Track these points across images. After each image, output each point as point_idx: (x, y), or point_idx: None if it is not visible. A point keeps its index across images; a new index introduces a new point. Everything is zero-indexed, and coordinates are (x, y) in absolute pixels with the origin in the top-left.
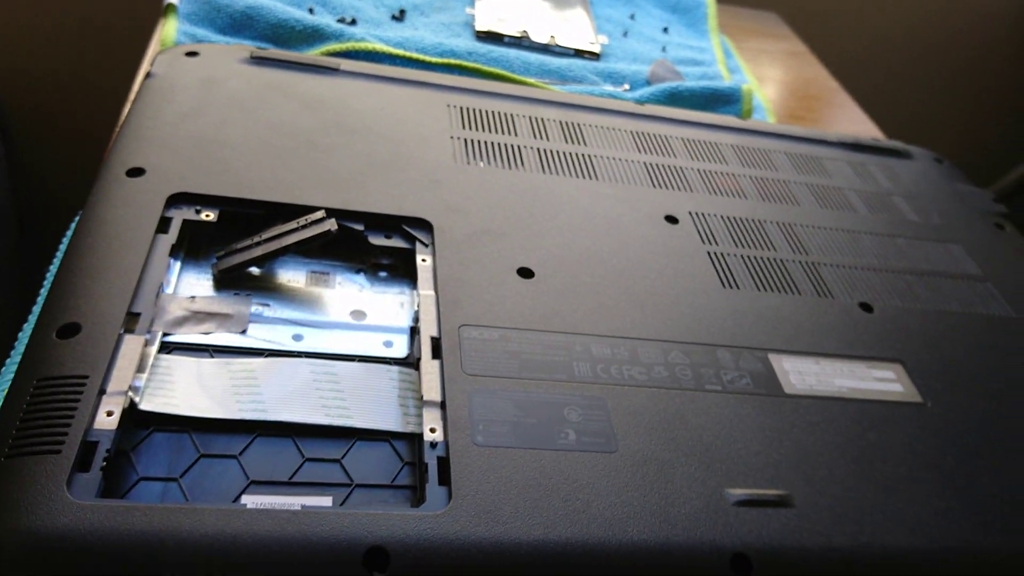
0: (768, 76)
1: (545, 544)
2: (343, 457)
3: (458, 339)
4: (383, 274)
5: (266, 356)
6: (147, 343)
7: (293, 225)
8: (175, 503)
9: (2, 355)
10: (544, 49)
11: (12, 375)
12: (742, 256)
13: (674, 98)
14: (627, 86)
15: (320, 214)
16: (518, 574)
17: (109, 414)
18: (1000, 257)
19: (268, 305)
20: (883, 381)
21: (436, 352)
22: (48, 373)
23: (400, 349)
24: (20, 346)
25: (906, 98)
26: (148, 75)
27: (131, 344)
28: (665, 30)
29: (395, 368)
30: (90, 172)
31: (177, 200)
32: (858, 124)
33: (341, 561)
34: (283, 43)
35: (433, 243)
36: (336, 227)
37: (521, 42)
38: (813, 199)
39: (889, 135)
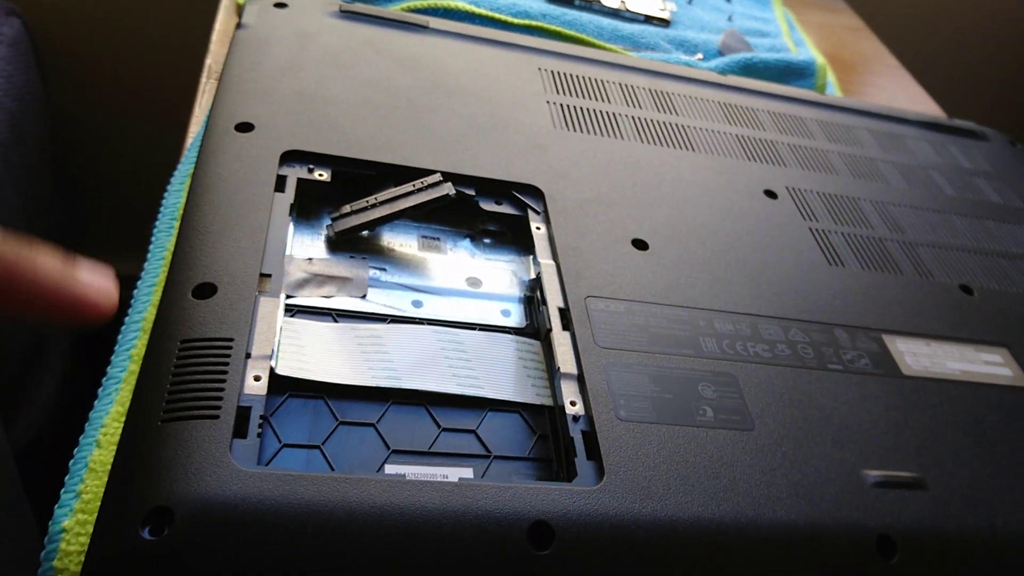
0: (828, 51)
1: (699, 521)
2: (477, 427)
3: (586, 310)
4: (489, 241)
5: (389, 322)
6: (278, 307)
7: (409, 188)
8: (328, 472)
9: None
10: (614, 14)
11: (136, 334)
12: (842, 233)
13: (748, 69)
14: (700, 55)
15: (436, 177)
16: (673, 551)
17: (257, 379)
18: None
19: (384, 269)
20: (992, 365)
21: (566, 324)
22: (192, 335)
23: (517, 318)
24: (139, 304)
25: (962, 74)
26: (239, 25)
27: (267, 306)
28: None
29: (518, 338)
30: (134, 115)
31: (290, 158)
32: (920, 103)
33: (506, 536)
34: None
35: (546, 210)
36: (454, 191)
37: (591, 5)
38: (900, 177)
39: (950, 115)
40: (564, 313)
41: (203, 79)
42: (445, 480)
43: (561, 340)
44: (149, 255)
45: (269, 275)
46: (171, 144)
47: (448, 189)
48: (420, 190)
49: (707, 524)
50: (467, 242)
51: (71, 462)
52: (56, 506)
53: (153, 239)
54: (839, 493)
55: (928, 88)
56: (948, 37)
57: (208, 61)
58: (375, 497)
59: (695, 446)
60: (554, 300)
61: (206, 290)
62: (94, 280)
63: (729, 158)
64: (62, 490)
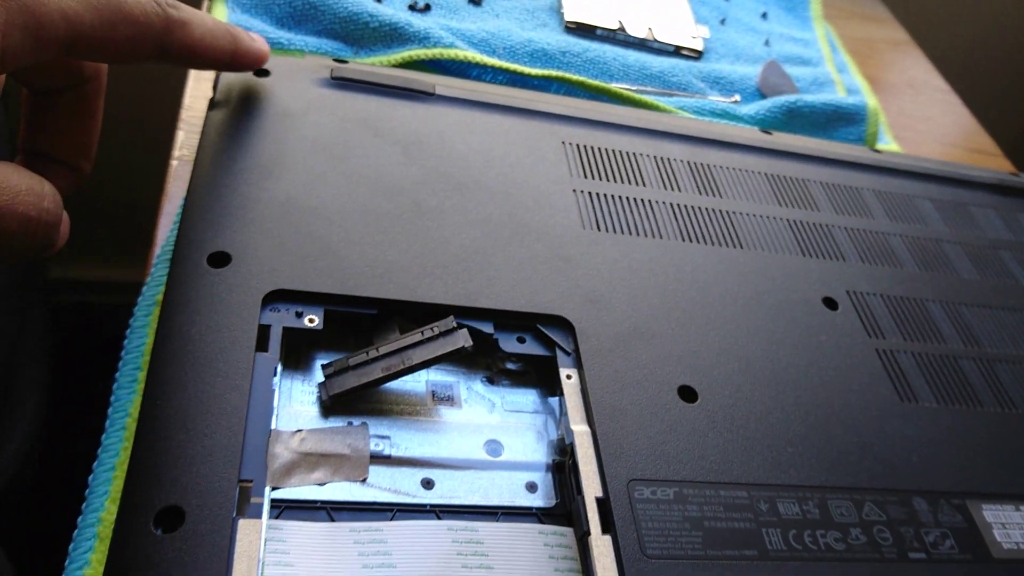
0: (872, 74)
1: None
2: None
3: (630, 502)
4: (506, 381)
5: (394, 514)
6: (259, 530)
7: (418, 336)
8: None
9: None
10: (641, 44)
11: (88, 551)
12: (913, 353)
13: (792, 115)
14: (737, 97)
15: (450, 323)
16: None
17: None
18: None
19: (387, 438)
20: None
21: (606, 524)
22: None
23: (544, 493)
24: (99, 478)
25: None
26: (212, 103)
27: (247, 533)
28: (764, 15)
29: (547, 528)
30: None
31: (273, 298)
32: (974, 139)
33: None
34: (354, 42)
35: (576, 350)
36: (470, 342)
37: (616, 35)
38: (969, 263)
39: (1003, 144)
40: (604, 506)
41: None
42: None
43: (602, 549)
44: (111, 410)
45: (250, 481)
46: (146, 156)
47: (464, 340)
48: (431, 339)
49: None
50: (483, 385)
51: None
52: None
53: (115, 389)
54: None
55: (977, 111)
56: (998, 54)
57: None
58: None
59: None
60: (591, 488)
61: (171, 518)
62: (252, 35)
63: (782, 254)
64: None
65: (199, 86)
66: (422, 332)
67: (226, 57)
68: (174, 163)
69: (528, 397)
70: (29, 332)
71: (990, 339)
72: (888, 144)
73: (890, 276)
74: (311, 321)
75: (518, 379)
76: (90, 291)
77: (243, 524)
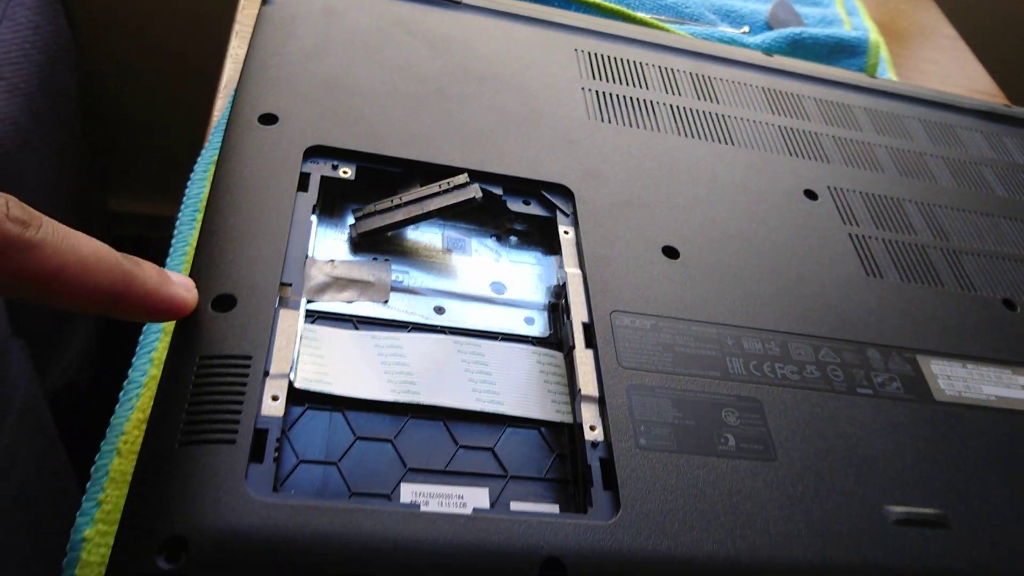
0: (882, 19)
1: (714, 561)
2: (495, 445)
3: (611, 326)
4: (514, 239)
5: (410, 330)
6: (297, 319)
7: (435, 188)
8: (343, 501)
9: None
10: None
11: (157, 336)
12: (883, 240)
13: (796, 45)
14: (747, 28)
15: (463, 178)
16: None
17: (275, 399)
18: None
19: (407, 272)
20: None
21: (589, 340)
22: (211, 351)
23: (540, 327)
24: None
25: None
26: (265, 1)
27: (287, 320)
28: None
29: (540, 350)
30: (162, 64)
31: (314, 153)
32: (978, 82)
33: (519, 572)
34: None
35: (575, 212)
36: (481, 194)
37: None
38: (949, 175)
39: (1010, 95)
40: (588, 329)
41: (232, 39)
42: (459, 512)
43: (584, 359)
44: (172, 249)
45: (289, 284)
46: (199, 94)
47: (475, 192)
48: (446, 191)
49: (721, 563)
50: (493, 241)
51: (92, 469)
52: (78, 513)
53: (176, 232)
54: (859, 531)
55: (988, 63)
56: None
57: (235, 27)
58: (389, 529)
59: (715, 478)
60: (579, 314)
61: (226, 302)
62: (182, 281)
63: (770, 152)
64: (83, 497)
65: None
66: (439, 185)
67: (105, 301)
68: (220, 99)
69: (531, 254)
70: None
71: (959, 235)
72: (889, 78)
73: (871, 178)
74: (344, 173)
75: (523, 238)
76: (148, 225)
77: (284, 313)
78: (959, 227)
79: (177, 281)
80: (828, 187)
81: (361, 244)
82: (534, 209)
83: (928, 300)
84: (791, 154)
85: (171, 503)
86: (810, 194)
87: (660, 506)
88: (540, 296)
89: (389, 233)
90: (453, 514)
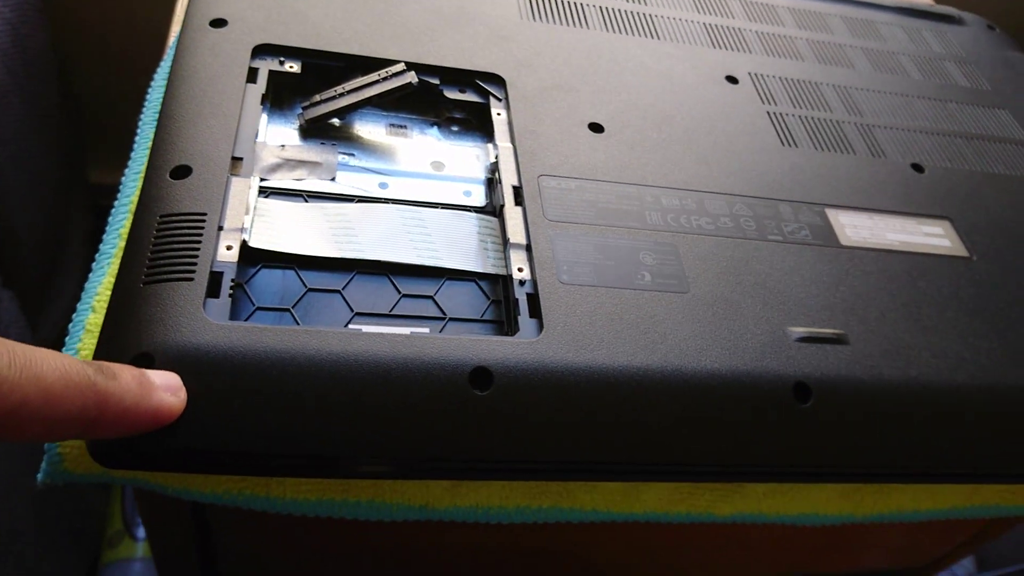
0: None
1: (628, 369)
2: (435, 294)
3: (538, 187)
4: (456, 128)
5: (356, 202)
6: (250, 186)
7: (375, 77)
8: (297, 327)
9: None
10: None
11: (124, 215)
12: (800, 116)
13: None
14: None
15: (400, 67)
16: (603, 394)
17: (229, 248)
18: None
19: (353, 155)
20: (932, 236)
21: (518, 199)
22: (169, 210)
23: (478, 198)
24: (127, 189)
25: None
26: None
27: (239, 186)
28: None
29: (477, 215)
30: (134, 20)
31: (262, 51)
32: None
33: (450, 379)
34: None
35: (507, 97)
36: (416, 80)
37: None
38: (868, 63)
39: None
40: (517, 190)
41: None
42: (396, 333)
43: (513, 214)
44: (135, 145)
45: (241, 158)
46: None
47: (411, 78)
48: (385, 79)
49: (635, 371)
50: (434, 129)
51: (70, 325)
52: None
53: (138, 131)
54: (763, 346)
55: None
56: None
57: None
58: (332, 346)
59: (631, 306)
60: (509, 179)
61: (182, 171)
62: (166, 383)
63: (694, 46)
64: (62, 349)
65: None
66: (378, 74)
67: (76, 428)
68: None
69: (470, 139)
70: (74, 227)
71: (874, 113)
72: None
73: (791, 65)
74: (291, 68)
75: (463, 126)
76: None
77: (236, 180)
78: (874, 106)
79: (161, 384)
80: (749, 73)
81: (310, 131)
82: (470, 96)
83: (840, 165)
84: (715, 46)
85: (139, 327)
86: (731, 79)
87: (580, 328)
88: (478, 173)
89: (335, 119)
90: (391, 334)
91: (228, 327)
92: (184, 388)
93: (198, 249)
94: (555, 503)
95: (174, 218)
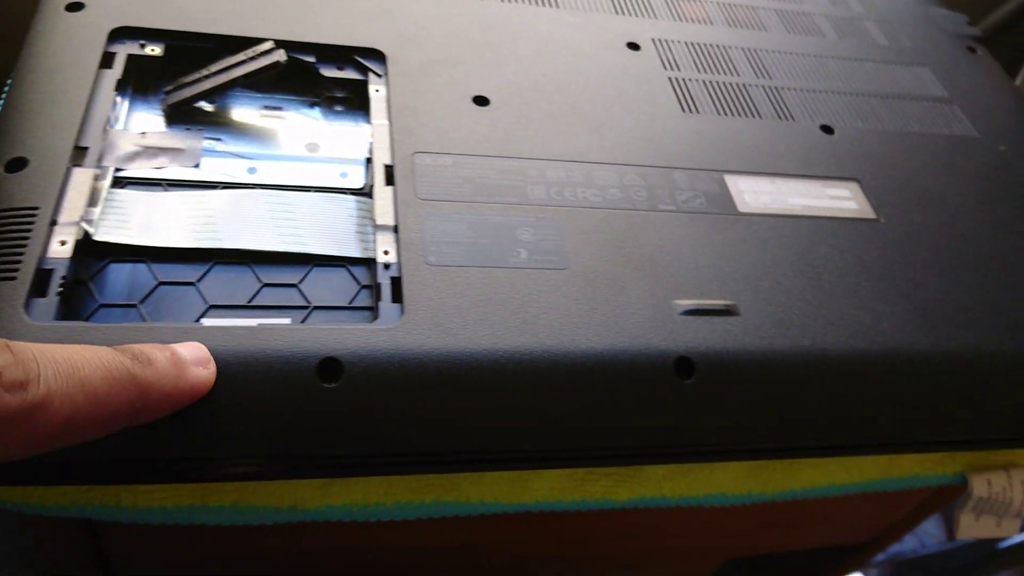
0: None
1: (492, 353)
2: (300, 282)
3: (411, 166)
4: (339, 107)
5: (221, 189)
6: (98, 177)
7: (241, 57)
8: (127, 324)
9: None
10: None
11: None
12: (704, 81)
13: None
14: None
15: (268, 45)
16: (467, 382)
17: (62, 243)
18: (969, 80)
19: (220, 139)
20: (838, 199)
21: (390, 179)
22: None
23: (356, 179)
24: None
25: None
26: None
27: (80, 177)
28: None
29: (351, 197)
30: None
31: (120, 34)
32: None
33: (295, 372)
34: None
35: (387, 73)
36: (285, 58)
37: None
38: (781, 25)
39: None
40: (389, 169)
41: None
42: (240, 325)
43: (382, 195)
44: None
45: (86, 148)
46: None
47: (279, 56)
48: (252, 59)
49: (503, 354)
50: (315, 110)
51: None
52: None
53: None
54: (645, 322)
55: None
56: None
57: None
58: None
59: (503, 285)
60: (381, 158)
61: (17, 164)
62: (195, 357)
63: (595, 13)
64: None
65: None
66: (245, 54)
67: (123, 423)
68: None
69: (351, 118)
70: None
71: (784, 75)
72: None
73: (699, 30)
74: (153, 51)
75: (346, 105)
76: None
77: (77, 171)
78: (785, 68)
79: (191, 359)
80: (652, 39)
81: (176, 117)
82: (348, 73)
83: (744, 130)
84: (618, 13)
85: None
86: (633, 46)
87: (444, 311)
88: (357, 153)
89: (203, 103)
90: (231, 327)
91: (52, 327)
92: (212, 359)
93: (24, 246)
94: (438, 497)
95: (2, 215)
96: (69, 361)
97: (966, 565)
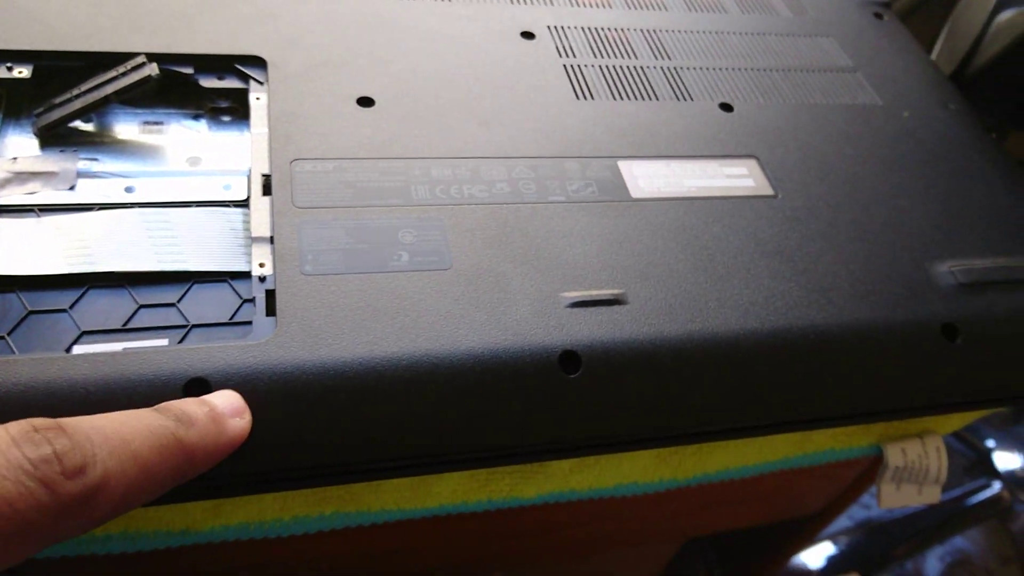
0: None
1: (368, 361)
2: (180, 300)
3: (290, 174)
4: (226, 118)
5: (97, 210)
6: None
7: (112, 74)
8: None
9: None
10: None
11: None
12: (600, 66)
13: None
14: None
15: (140, 59)
16: (343, 392)
17: None
18: (874, 47)
19: (97, 160)
20: (735, 177)
21: (267, 189)
22: None
23: (240, 191)
24: None
25: None
26: None
27: None
28: None
29: (235, 210)
30: None
31: None
32: None
33: (162, 397)
34: None
35: (268, 80)
36: (157, 72)
37: None
38: (682, 3)
39: None
40: (267, 179)
41: None
42: (105, 351)
43: (259, 206)
44: None
45: None
46: None
47: (150, 70)
48: (122, 75)
49: (376, 362)
50: (200, 122)
51: None
52: None
53: None
54: (529, 317)
55: None
56: None
57: None
58: (22, 376)
59: (382, 291)
60: (259, 167)
61: None
62: (231, 407)
63: (488, 3)
64: None
65: None
66: (115, 70)
67: (169, 485)
68: None
69: (237, 128)
70: None
71: (683, 55)
72: None
73: (596, 15)
74: (20, 73)
75: (230, 115)
76: None
77: None
78: (685, 47)
79: (228, 411)
80: (548, 26)
81: (50, 140)
82: (229, 83)
83: (640, 113)
84: (512, 2)
85: None
86: (527, 35)
87: (319, 322)
88: (241, 165)
89: (76, 123)
90: (96, 353)
91: None
92: (247, 406)
93: None
94: (338, 508)
95: None
96: (119, 435)
97: (930, 527)
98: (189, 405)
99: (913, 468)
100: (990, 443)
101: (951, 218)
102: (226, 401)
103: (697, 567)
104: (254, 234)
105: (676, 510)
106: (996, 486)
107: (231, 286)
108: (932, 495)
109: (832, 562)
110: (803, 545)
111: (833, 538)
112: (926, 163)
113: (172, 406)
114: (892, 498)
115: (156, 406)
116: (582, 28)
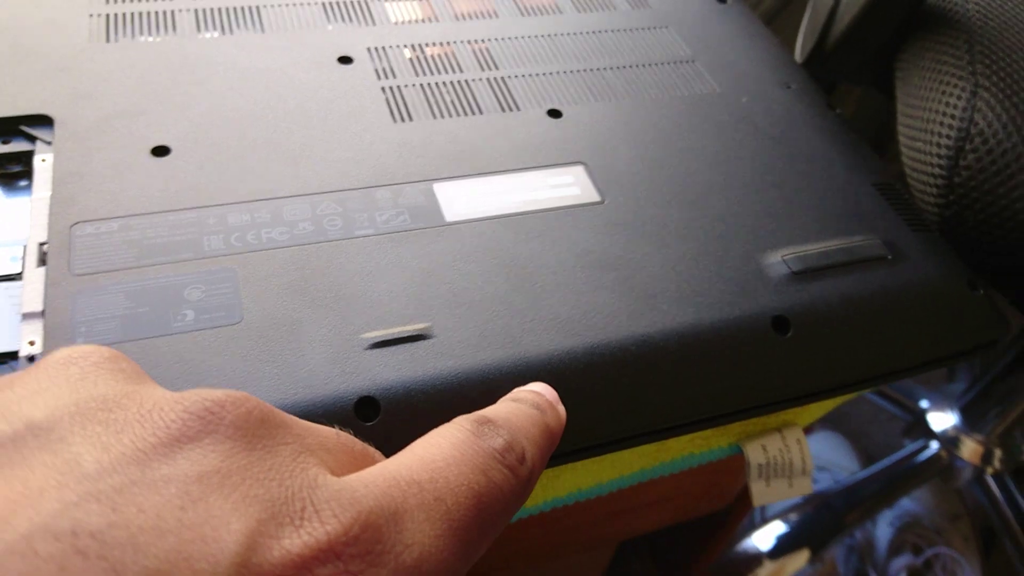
0: None
1: None
2: None
3: (68, 239)
4: (23, 183)
5: None
6: None
7: None
8: None
9: None
10: None
11: None
12: (421, 85)
13: None
14: None
15: None
16: None
17: None
18: (715, 33)
19: None
20: (560, 187)
21: (43, 259)
22: None
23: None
24: None
25: None
26: None
27: None
28: None
29: (11, 284)
30: None
31: None
32: None
33: None
34: None
35: (55, 139)
36: None
37: None
38: (514, 8)
39: None
40: (43, 248)
41: None
42: None
43: (32, 279)
44: None
45: None
46: None
47: None
48: None
49: None
50: None
51: None
52: None
53: None
54: (324, 366)
55: None
56: None
57: None
58: None
59: (162, 355)
60: (36, 236)
61: None
62: (555, 395)
63: (303, 30)
64: None
65: None
66: None
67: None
68: None
69: (27, 194)
70: None
71: (512, 63)
72: None
73: (420, 30)
74: None
75: (23, 179)
76: None
77: None
78: (514, 55)
79: (554, 399)
80: (368, 48)
81: None
82: (15, 146)
83: (461, 130)
84: (330, 25)
85: None
86: (344, 59)
87: None
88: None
89: None
90: None
91: None
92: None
93: None
94: None
95: None
96: (525, 425)
97: (876, 493)
98: (530, 395)
99: (777, 463)
100: (924, 404)
101: (786, 203)
102: (548, 390)
103: (633, 567)
104: (24, 309)
105: (581, 521)
106: (934, 446)
107: (11, 368)
108: (803, 487)
109: (782, 541)
110: (732, 532)
111: (783, 516)
112: (763, 149)
113: (519, 394)
114: (764, 495)
115: (512, 394)
116: (405, 46)
